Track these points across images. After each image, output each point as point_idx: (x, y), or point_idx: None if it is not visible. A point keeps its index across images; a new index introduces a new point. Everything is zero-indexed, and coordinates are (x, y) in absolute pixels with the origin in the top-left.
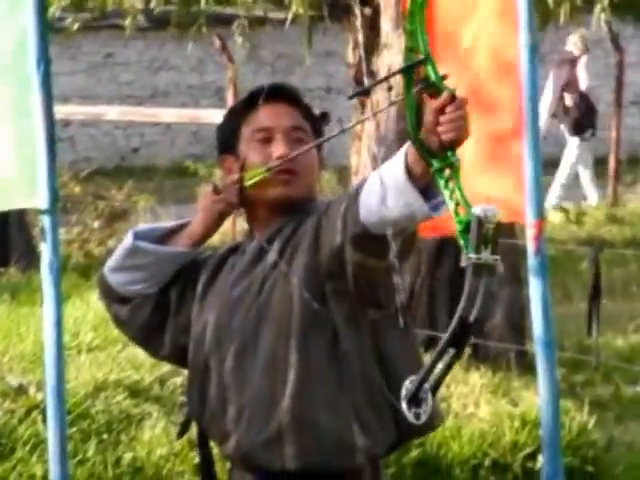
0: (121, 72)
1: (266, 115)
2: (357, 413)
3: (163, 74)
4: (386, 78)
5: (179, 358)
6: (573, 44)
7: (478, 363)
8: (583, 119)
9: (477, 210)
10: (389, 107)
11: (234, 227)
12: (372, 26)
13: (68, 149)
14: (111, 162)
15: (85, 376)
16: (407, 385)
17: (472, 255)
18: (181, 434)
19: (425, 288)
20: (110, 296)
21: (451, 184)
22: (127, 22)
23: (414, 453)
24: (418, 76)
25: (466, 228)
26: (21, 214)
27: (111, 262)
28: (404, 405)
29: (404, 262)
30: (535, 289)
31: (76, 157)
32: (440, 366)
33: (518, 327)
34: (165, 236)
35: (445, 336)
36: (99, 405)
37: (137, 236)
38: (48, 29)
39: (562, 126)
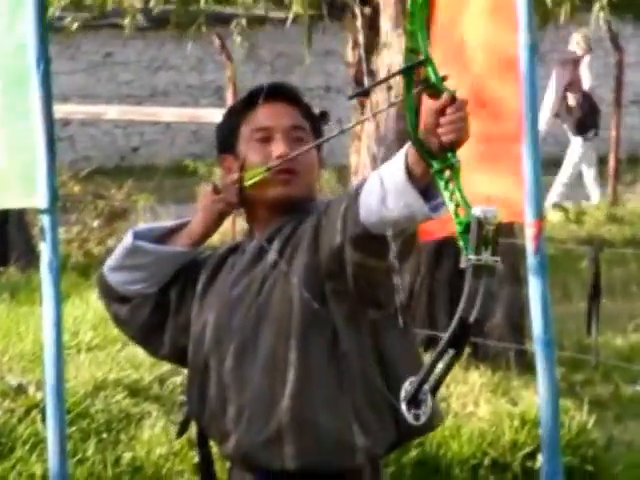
0: (120, 71)
1: (265, 114)
2: (357, 413)
3: (162, 73)
4: (386, 79)
5: (179, 357)
6: (576, 44)
7: (478, 362)
8: (586, 119)
9: (477, 211)
10: (389, 108)
11: (234, 227)
12: (371, 25)
13: (68, 148)
14: (111, 161)
15: (84, 375)
16: (406, 386)
17: (472, 256)
18: (181, 433)
19: (425, 288)
20: (110, 295)
21: (451, 185)
22: (126, 22)
23: (413, 452)
24: (418, 77)
25: (466, 229)
26: (21, 213)
27: (111, 261)
28: (404, 406)
29: (404, 262)
30: (535, 288)
31: (76, 156)
32: (440, 366)
33: (518, 326)
34: (165, 236)
35: (445, 337)
36: (98, 404)
37: (137, 236)
38: (48, 28)
39: (565, 126)
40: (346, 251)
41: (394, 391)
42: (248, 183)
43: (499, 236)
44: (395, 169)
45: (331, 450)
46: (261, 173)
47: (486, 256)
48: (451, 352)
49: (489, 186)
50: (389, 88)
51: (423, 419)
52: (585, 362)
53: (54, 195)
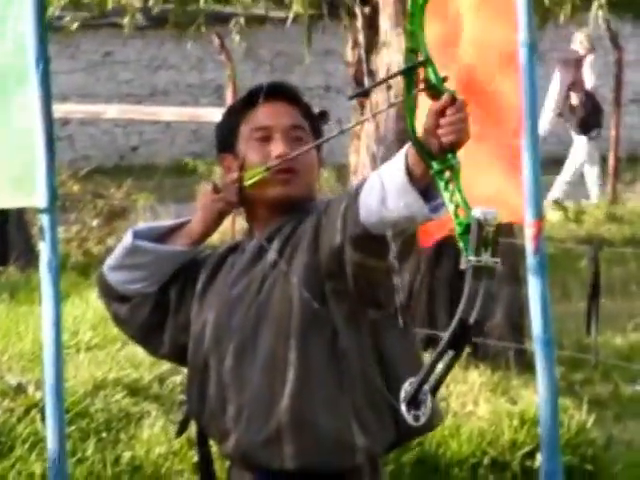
0: (120, 71)
1: (265, 114)
2: (357, 413)
3: (162, 73)
4: (386, 79)
5: (179, 357)
6: (579, 43)
7: (477, 362)
8: (589, 118)
9: (477, 213)
10: (389, 108)
11: (233, 226)
12: (371, 24)
13: (67, 148)
14: (110, 161)
15: (84, 375)
16: (406, 387)
17: (472, 258)
18: (180, 433)
19: (424, 287)
20: (109, 295)
21: (451, 186)
22: (125, 21)
23: (413, 452)
24: (418, 77)
25: (466, 230)
26: (20, 213)
27: (110, 261)
28: (403, 407)
29: (404, 262)
30: (534, 288)
31: (75, 156)
32: (440, 367)
33: (517, 326)
34: (164, 235)
35: (444, 338)
36: (98, 404)
37: (137, 235)
38: (47, 28)
39: (568, 125)
40: (346, 251)
41: (394, 391)
42: (248, 183)
43: (499, 237)
44: (395, 170)
45: (331, 450)
46: (261, 173)
47: (486, 257)
48: (451, 353)
49: (488, 186)
50: (389, 88)
51: (423, 420)
52: (584, 361)
53: (53, 194)
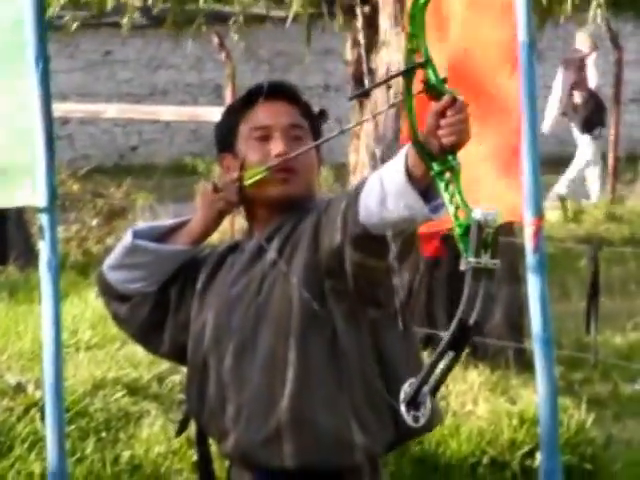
0: (119, 70)
1: (264, 113)
2: (356, 411)
3: (162, 72)
4: (387, 80)
5: (178, 356)
6: (582, 42)
7: (476, 361)
8: (593, 117)
9: (477, 214)
10: (389, 109)
11: (232, 226)
12: (370, 24)
13: (67, 147)
14: (110, 160)
15: (83, 374)
16: (406, 388)
17: (472, 259)
18: (179, 432)
19: (424, 286)
20: (109, 293)
21: (451, 187)
22: (124, 20)
23: (413, 451)
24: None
25: (466, 232)
26: (19, 212)
27: (110, 260)
28: (403, 408)
29: (404, 262)
30: (534, 287)
31: (75, 155)
32: (440, 367)
33: (516, 325)
34: (165, 234)
35: (444, 339)
36: (97, 403)
37: (136, 235)
38: (47, 27)
39: (572, 124)
40: (346, 251)
41: (394, 391)
42: (248, 182)
43: (498, 238)
44: (395, 170)
45: (330, 448)
46: (261, 172)
47: (486, 259)
48: (451, 354)
49: (487, 185)
50: (388, 88)
51: (422, 421)
52: (584, 361)
53: (53, 194)
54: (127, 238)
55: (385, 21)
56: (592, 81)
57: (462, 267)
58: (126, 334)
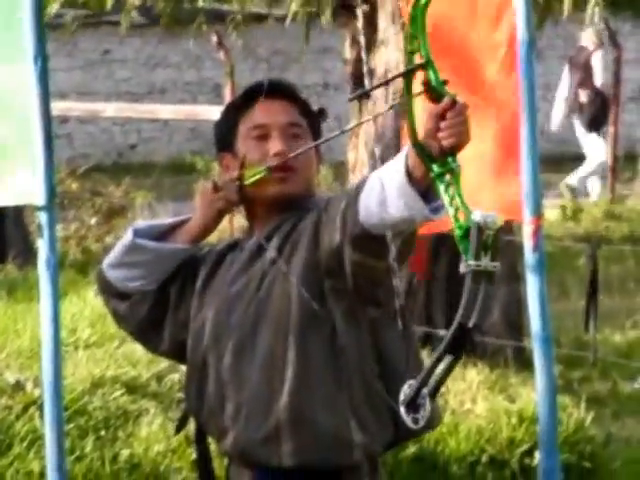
0: (118, 69)
1: (262, 112)
2: (355, 410)
3: (160, 71)
4: (387, 81)
5: (178, 354)
6: (588, 39)
7: (476, 359)
8: (599, 115)
9: (477, 216)
10: (389, 109)
11: (231, 224)
12: (369, 22)
13: (65, 146)
14: (109, 159)
15: (82, 372)
16: (405, 390)
17: (471, 262)
18: (178, 430)
19: (422, 284)
20: (109, 291)
21: (451, 189)
22: (122, 19)
23: (411, 449)
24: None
25: (466, 234)
26: (18, 210)
27: (110, 258)
28: (402, 409)
29: (404, 262)
30: (533, 286)
31: (73, 154)
32: (440, 367)
33: (516, 324)
34: (164, 233)
35: (443, 342)
36: (96, 401)
37: (136, 233)
38: (45, 26)
39: (577, 122)
40: (345, 250)
41: (393, 391)
42: (249, 181)
43: (499, 242)
44: (395, 171)
45: (329, 447)
46: (262, 172)
47: (485, 261)
48: (450, 357)
49: (487, 184)
50: (386, 84)
51: (422, 423)
52: (583, 359)
53: (52, 192)
54: (127, 236)
55: (384, 20)
56: (598, 79)
57: (462, 270)
58: (126, 332)
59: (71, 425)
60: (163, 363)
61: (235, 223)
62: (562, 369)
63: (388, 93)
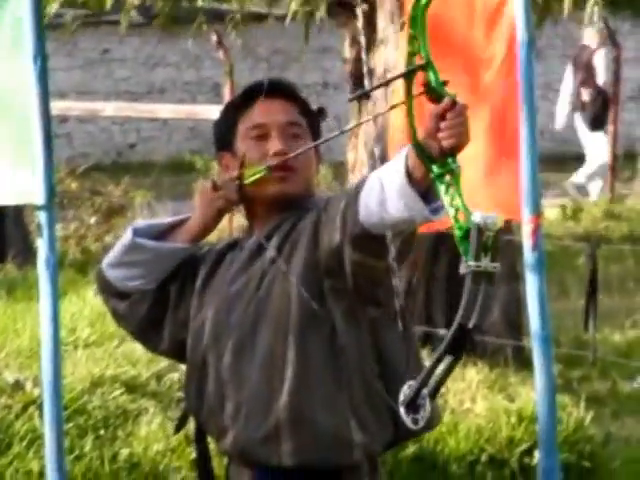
0: (117, 68)
1: (261, 112)
2: (354, 410)
3: (160, 70)
4: (387, 82)
5: (178, 353)
6: (591, 38)
7: (475, 359)
8: (601, 114)
9: (477, 217)
10: (390, 110)
11: (231, 224)
12: (368, 22)
13: (65, 145)
14: (108, 158)
15: (82, 372)
16: (405, 390)
17: (471, 263)
18: (178, 429)
19: (422, 284)
20: (108, 291)
21: (451, 190)
22: (121, 18)
23: (411, 449)
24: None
25: (466, 235)
26: (18, 210)
27: (109, 258)
28: (402, 410)
29: (404, 262)
30: (532, 285)
31: (73, 153)
32: (440, 368)
33: (515, 323)
34: (164, 232)
35: (443, 342)
36: (96, 401)
37: (136, 232)
38: (45, 25)
39: (580, 121)
40: (345, 250)
41: (393, 391)
42: (248, 181)
43: (499, 243)
44: (395, 171)
45: (329, 446)
46: (262, 171)
47: (485, 262)
48: (450, 357)
49: (486, 184)
50: (386, 84)
51: (421, 424)
52: (582, 358)
53: (51, 192)
54: (127, 236)
55: (383, 19)
56: (600, 78)
57: (462, 270)
58: (125, 331)
59: (70, 424)
60: (163, 362)
61: (235, 222)
62: (561, 368)
63: (388, 92)
